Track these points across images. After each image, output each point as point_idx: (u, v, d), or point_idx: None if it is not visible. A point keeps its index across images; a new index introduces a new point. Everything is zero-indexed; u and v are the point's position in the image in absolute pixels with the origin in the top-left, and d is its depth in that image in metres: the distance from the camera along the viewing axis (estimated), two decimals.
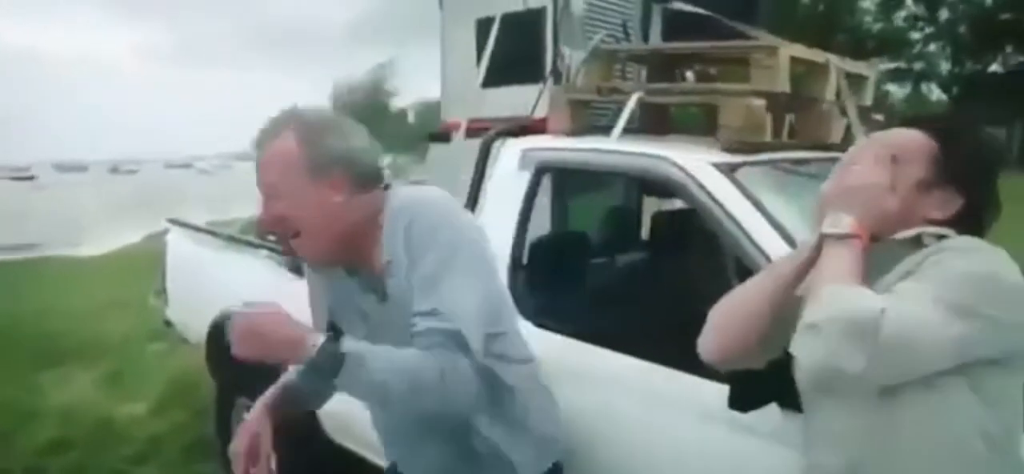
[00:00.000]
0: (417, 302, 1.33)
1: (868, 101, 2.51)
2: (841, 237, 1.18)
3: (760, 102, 1.99)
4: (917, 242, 1.22)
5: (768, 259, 1.70)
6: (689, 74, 2.57)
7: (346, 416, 2.81)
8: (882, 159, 1.24)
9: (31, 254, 13.82)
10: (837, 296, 1.09)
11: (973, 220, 1.24)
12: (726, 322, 1.34)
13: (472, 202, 2.40)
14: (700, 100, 2.18)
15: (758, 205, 1.80)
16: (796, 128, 2.47)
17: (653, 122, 2.50)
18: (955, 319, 1.07)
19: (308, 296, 1.63)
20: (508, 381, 1.52)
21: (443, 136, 3.19)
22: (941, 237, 1.21)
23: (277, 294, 3.02)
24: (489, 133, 2.46)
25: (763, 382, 1.47)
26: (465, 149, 2.78)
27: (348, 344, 1.30)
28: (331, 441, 2.93)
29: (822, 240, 1.21)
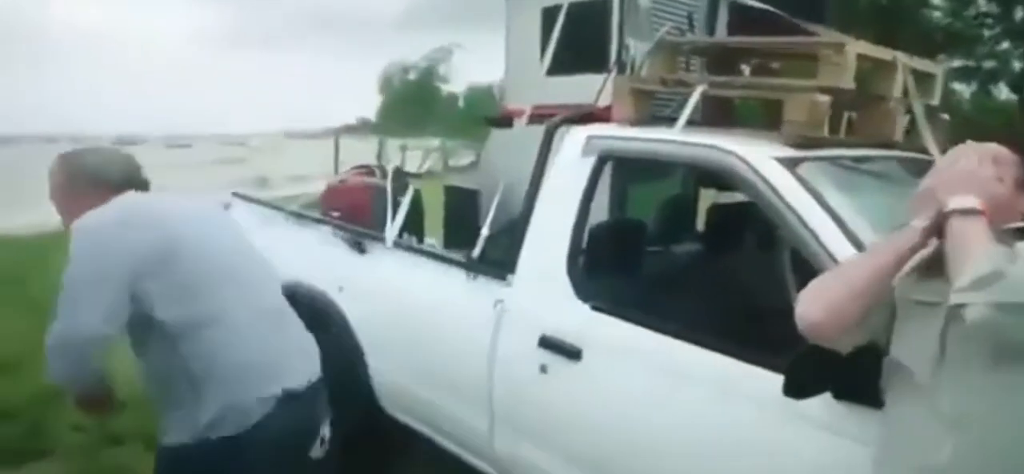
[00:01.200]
0: None
1: (936, 100, 2.50)
2: (968, 212, 1.27)
3: (825, 98, 2.01)
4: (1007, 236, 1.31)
5: (829, 254, 1.73)
6: (745, 68, 2.59)
7: (401, 390, 2.93)
8: (985, 158, 1.35)
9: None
10: (991, 256, 1.18)
11: None
12: (831, 296, 1.39)
13: (534, 186, 2.47)
14: (765, 94, 2.20)
15: (819, 199, 1.83)
16: (856, 125, 2.48)
17: (715, 114, 2.53)
18: None
19: None
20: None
21: (504, 121, 3.26)
22: None
23: (336, 265, 3.18)
24: (554, 119, 2.52)
25: (819, 370, 1.52)
26: (524, 135, 2.85)
27: None
28: (387, 414, 3.04)
29: (945, 219, 1.29)
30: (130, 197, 1.84)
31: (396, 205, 3.07)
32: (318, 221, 3.48)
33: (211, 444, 1.76)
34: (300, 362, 1.98)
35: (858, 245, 1.72)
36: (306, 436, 2.00)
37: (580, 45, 2.92)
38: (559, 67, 2.94)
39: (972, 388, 1.25)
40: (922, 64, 2.41)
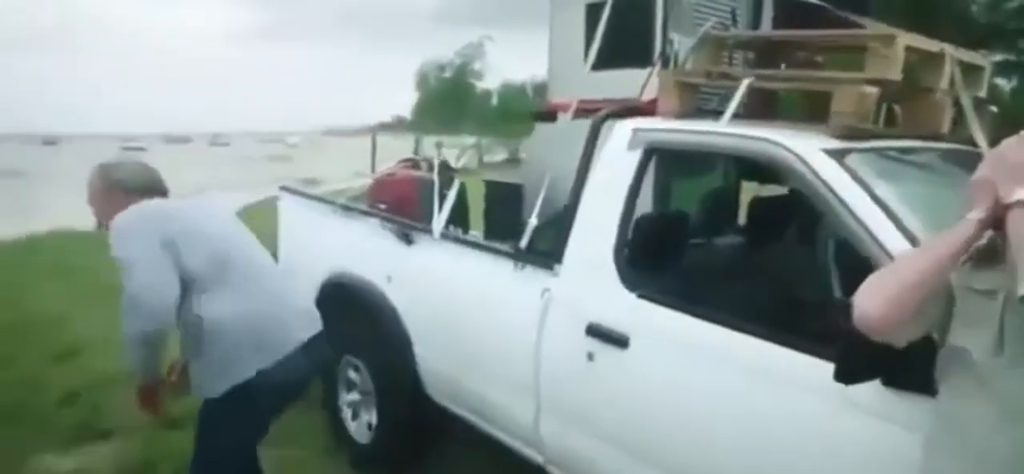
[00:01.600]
0: None
1: (983, 92, 2.49)
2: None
3: (873, 90, 2.03)
4: None
5: (878, 243, 1.76)
6: (782, 63, 2.61)
7: (448, 378, 3.01)
8: None
9: None
10: None
11: None
12: (888, 293, 1.37)
13: (581, 179, 2.52)
14: (812, 87, 2.23)
15: (868, 190, 1.85)
16: (904, 116, 2.49)
17: (758, 107, 2.56)
18: None
19: None
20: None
21: (549, 115, 3.31)
22: None
23: (384, 256, 3.27)
24: (600, 113, 2.57)
25: (870, 357, 1.55)
26: (569, 129, 2.90)
27: None
28: (433, 401, 3.12)
29: (1004, 211, 1.30)
30: (153, 201, 2.34)
31: (442, 197, 3.15)
32: (366, 213, 3.57)
33: (232, 391, 2.23)
34: (298, 321, 2.38)
35: (906, 234, 1.74)
36: (303, 384, 2.47)
37: (624, 40, 2.97)
38: (603, 62, 2.99)
39: None
40: (969, 56, 2.41)
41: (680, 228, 2.66)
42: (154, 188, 2.39)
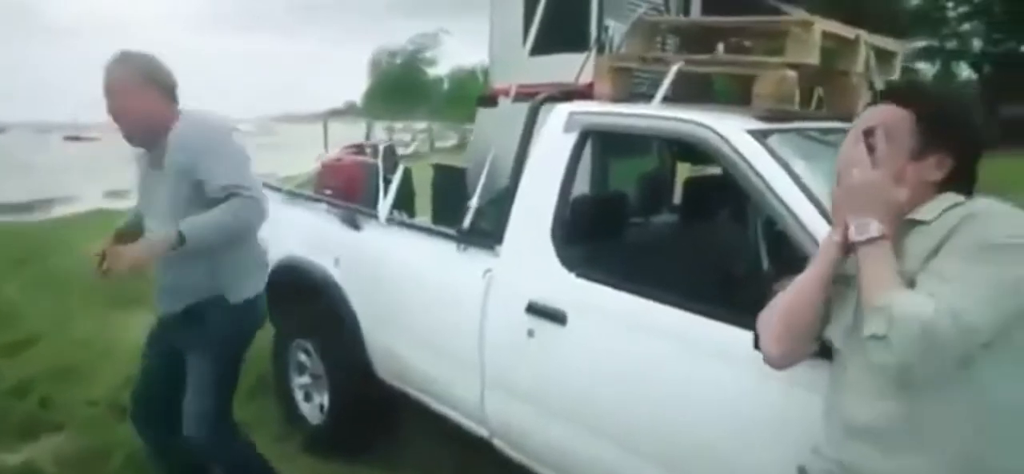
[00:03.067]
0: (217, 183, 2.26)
1: (895, 76, 2.64)
2: (870, 241, 1.31)
3: (793, 73, 2.15)
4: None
5: (796, 218, 1.86)
6: (720, 46, 2.72)
7: (396, 357, 3.06)
8: (875, 145, 1.37)
9: (77, 207, 14.24)
10: (892, 307, 1.22)
11: (967, 174, 1.39)
12: (778, 330, 1.49)
13: (519, 162, 2.59)
14: (737, 71, 2.34)
15: (787, 168, 1.96)
16: (825, 99, 2.62)
17: (692, 91, 2.66)
18: (1005, 289, 1.20)
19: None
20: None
21: (491, 100, 3.38)
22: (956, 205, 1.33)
23: (331, 241, 3.29)
24: (538, 97, 2.64)
25: None
26: (510, 112, 2.97)
27: (182, 225, 2.21)
28: (383, 382, 3.17)
29: (847, 242, 1.36)
30: (212, 113, 2.45)
31: (387, 183, 3.19)
32: (313, 199, 3.58)
33: (247, 301, 2.46)
34: None
35: (821, 209, 1.85)
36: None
37: (561, 25, 3.04)
38: (542, 47, 3.06)
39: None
40: (883, 42, 2.55)
41: (616, 208, 2.75)
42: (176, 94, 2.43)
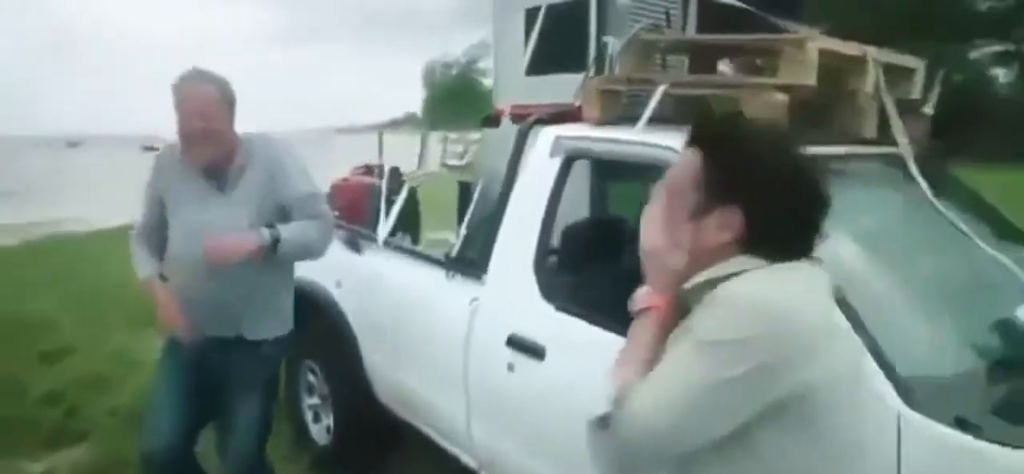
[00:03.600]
0: (293, 190, 2.28)
1: (916, 94, 2.44)
2: (641, 312, 1.17)
3: (782, 97, 1.99)
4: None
5: None
6: (721, 65, 2.57)
7: (391, 382, 3.02)
8: (667, 204, 1.17)
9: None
10: (617, 393, 1.09)
11: (770, 232, 1.09)
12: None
13: (507, 187, 2.51)
14: (721, 93, 2.19)
15: None
16: (828, 121, 2.44)
17: (690, 113, 2.52)
18: (699, 392, 1.02)
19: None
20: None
21: (494, 121, 3.30)
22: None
23: (334, 263, 3.28)
24: (526, 120, 2.55)
25: None
26: (508, 134, 2.88)
27: (279, 230, 2.21)
28: (384, 407, 3.12)
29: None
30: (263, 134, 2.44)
31: (389, 205, 3.15)
32: None
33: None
34: None
35: None
36: None
37: (560, 44, 2.94)
38: (539, 67, 2.97)
39: None
40: (898, 59, 2.36)
41: (601, 237, 2.64)
42: None
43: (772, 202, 1.08)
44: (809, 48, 2.04)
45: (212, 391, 2.37)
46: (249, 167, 2.26)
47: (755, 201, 1.08)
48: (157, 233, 2.37)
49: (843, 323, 1.46)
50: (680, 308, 1.15)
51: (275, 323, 2.38)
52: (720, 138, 1.15)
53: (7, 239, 11.22)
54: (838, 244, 1.77)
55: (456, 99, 34.20)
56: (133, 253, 2.40)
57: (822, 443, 1.06)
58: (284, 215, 2.29)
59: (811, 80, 2.06)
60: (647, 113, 2.20)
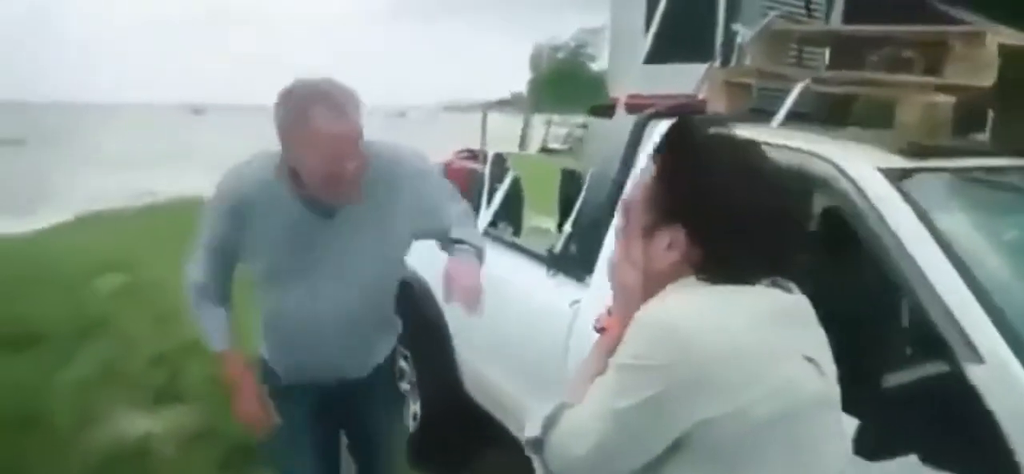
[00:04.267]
0: (446, 211, 1.97)
1: None
2: (597, 331, 1.13)
3: (947, 99, 1.71)
4: None
5: (929, 284, 1.48)
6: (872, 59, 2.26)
7: (481, 375, 2.93)
8: (625, 222, 1.11)
9: None
10: (555, 413, 1.05)
11: (714, 254, 1.00)
12: None
13: (618, 185, 2.33)
14: (872, 92, 1.91)
15: (925, 219, 1.56)
16: (1008, 128, 2.11)
17: (832, 111, 2.25)
18: (614, 420, 0.96)
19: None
20: None
21: (607, 110, 3.10)
22: None
23: (429, 252, 3.22)
24: (644, 113, 2.36)
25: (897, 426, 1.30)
26: (622, 126, 2.68)
27: (474, 247, 1.98)
28: (470, 400, 3.03)
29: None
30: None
31: (492, 192, 3.03)
32: None
33: None
34: None
35: (966, 277, 1.45)
36: None
37: (684, 31, 2.71)
38: (660, 55, 2.74)
39: None
40: None
41: None
42: None
43: (716, 222, 0.99)
44: (988, 44, 1.74)
45: (339, 430, 2.16)
46: (388, 181, 1.83)
47: (699, 220, 1.00)
48: (224, 283, 1.93)
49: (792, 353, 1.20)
50: None
51: (391, 334, 2.14)
52: (670, 149, 1.06)
53: (127, 203, 12.05)
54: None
55: (562, 83, 34.04)
56: (197, 316, 1.93)
57: None
58: (422, 232, 1.96)
59: (988, 80, 1.76)
60: (783, 112, 1.97)
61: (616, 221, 1.15)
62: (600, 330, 1.11)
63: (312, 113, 1.61)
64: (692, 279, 1.01)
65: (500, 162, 3.33)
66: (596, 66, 37.46)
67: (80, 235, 9.90)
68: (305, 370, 1.95)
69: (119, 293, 6.20)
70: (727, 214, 0.99)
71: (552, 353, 2.39)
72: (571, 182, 3.62)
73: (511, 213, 3.29)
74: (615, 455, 0.97)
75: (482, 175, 3.26)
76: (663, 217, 1.03)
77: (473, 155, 3.75)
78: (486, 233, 2.93)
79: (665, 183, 1.03)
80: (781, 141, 1.90)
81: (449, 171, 3.88)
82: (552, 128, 19.81)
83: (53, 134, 42.27)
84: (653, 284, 1.03)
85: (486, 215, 2.94)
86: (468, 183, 3.61)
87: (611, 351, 1.03)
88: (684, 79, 2.64)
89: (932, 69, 1.96)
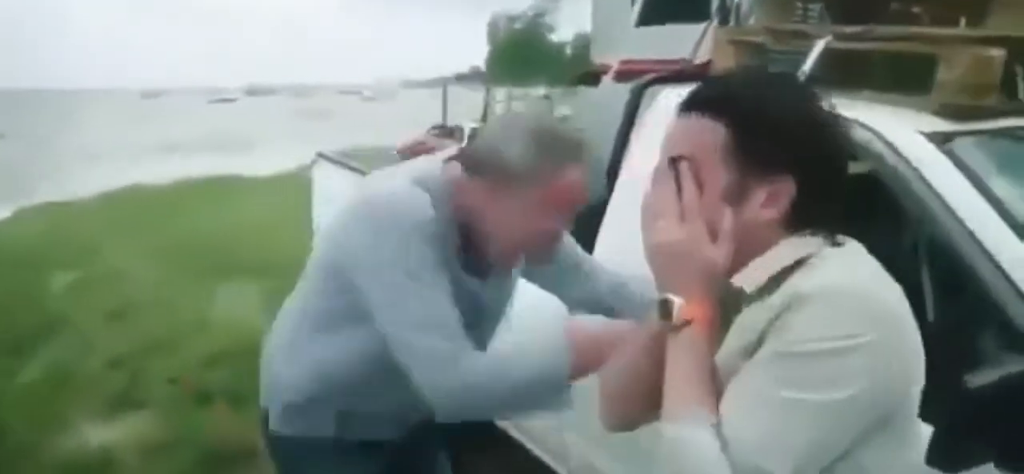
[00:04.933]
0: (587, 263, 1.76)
1: None
2: (677, 326, 0.91)
3: (998, 52, 1.54)
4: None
5: (986, 251, 1.34)
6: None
7: None
8: (687, 188, 0.92)
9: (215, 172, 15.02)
10: (677, 443, 0.86)
11: (823, 204, 0.92)
12: (601, 398, 1.16)
13: (616, 159, 2.14)
14: (911, 48, 1.73)
15: (977, 182, 1.41)
16: None
17: (842, 73, 2.07)
18: (810, 421, 0.83)
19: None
20: None
21: (592, 78, 2.90)
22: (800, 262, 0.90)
23: None
24: (642, 79, 2.17)
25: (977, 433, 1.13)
26: (612, 95, 2.50)
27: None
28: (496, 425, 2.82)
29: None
30: None
31: None
32: None
33: None
34: None
35: None
36: None
37: None
38: (652, 16, 2.54)
39: None
40: None
41: None
42: None
43: (819, 161, 0.92)
44: None
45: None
46: None
47: (804, 163, 0.90)
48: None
49: None
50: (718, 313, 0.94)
51: None
52: (745, 99, 0.93)
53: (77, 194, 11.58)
54: None
55: (520, 54, 33.70)
56: (517, 381, 1.47)
57: (914, 455, 0.95)
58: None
59: None
60: (805, 72, 1.78)
61: (653, 200, 0.95)
62: (675, 327, 0.91)
63: (567, 167, 1.35)
64: (796, 239, 0.92)
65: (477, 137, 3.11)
66: (555, 37, 37.25)
67: (24, 228, 9.46)
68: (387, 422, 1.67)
69: (74, 288, 5.92)
70: (837, 158, 0.94)
71: (549, 341, 2.22)
72: None
73: None
74: (823, 454, 0.85)
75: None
76: (754, 172, 0.90)
77: (449, 132, 3.52)
78: None
79: (754, 135, 0.90)
80: None
81: (421, 150, 3.67)
82: (512, 102, 19.62)
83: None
84: (743, 252, 0.91)
85: None
86: None
87: (712, 343, 0.91)
88: (672, 43, 2.47)
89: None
